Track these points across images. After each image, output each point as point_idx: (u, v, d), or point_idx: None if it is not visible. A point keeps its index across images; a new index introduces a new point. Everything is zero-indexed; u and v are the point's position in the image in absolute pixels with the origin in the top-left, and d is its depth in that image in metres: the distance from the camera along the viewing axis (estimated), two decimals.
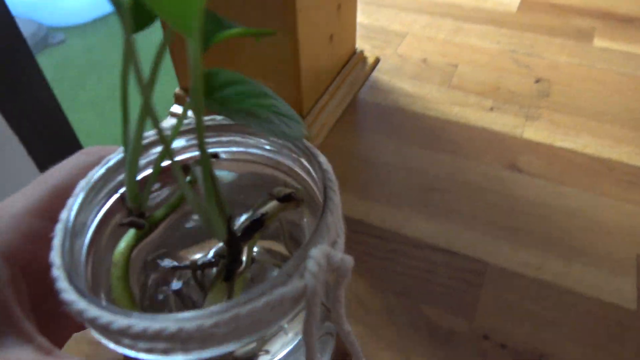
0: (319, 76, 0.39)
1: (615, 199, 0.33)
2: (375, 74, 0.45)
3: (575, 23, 0.51)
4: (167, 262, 0.20)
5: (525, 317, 0.27)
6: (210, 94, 0.16)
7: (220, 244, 0.19)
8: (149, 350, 0.13)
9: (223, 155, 0.20)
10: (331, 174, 0.17)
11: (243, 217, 0.19)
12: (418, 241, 0.31)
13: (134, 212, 0.17)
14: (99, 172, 0.17)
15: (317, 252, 0.14)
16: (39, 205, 0.17)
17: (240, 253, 0.17)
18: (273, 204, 0.19)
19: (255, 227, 0.18)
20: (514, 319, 0.27)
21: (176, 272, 0.19)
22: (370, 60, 0.46)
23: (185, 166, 0.18)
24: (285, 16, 0.31)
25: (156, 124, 0.15)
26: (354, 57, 0.44)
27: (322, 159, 0.18)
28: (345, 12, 0.39)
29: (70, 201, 0.16)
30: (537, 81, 0.44)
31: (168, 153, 0.16)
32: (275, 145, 0.19)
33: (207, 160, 0.15)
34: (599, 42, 0.48)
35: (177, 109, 0.41)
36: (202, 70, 0.14)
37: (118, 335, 0.13)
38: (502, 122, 0.39)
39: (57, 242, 0.15)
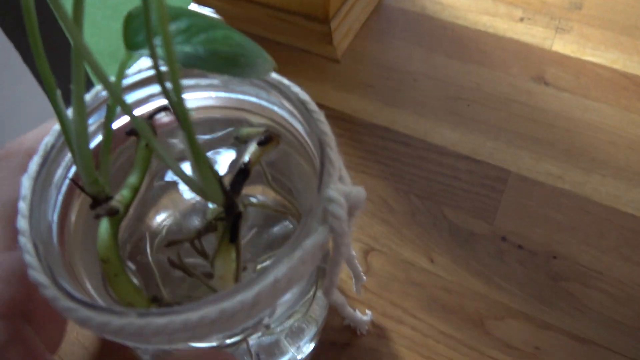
0: None
1: (639, 115, 0.33)
2: None
3: None
4: (159, 239, 0.18)
5: (542, 222, 0.28)
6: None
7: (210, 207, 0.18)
8: (171, 340, 0.12)
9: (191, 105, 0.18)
10: (312, 104, 0.16)
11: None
12: (443, 149, 0.32)
13: (100, 198, 0.15)
14: (36, 161, 0.15)
15: (334, 194, 0.13)
16: (9, 237, 0.15)
17: (237, 209, 0.16)
18: (253, 148, 0.17)
19: (242, 179, 0.17)
20: (532, 223, 0.28)
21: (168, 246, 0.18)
22: None
23: (133, 131, 0.17)
24: None
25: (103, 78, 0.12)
26: None
27: (297, 89, 0.16)
28: None
29: (20, 206, 0.14)
30: None
31: (127, 112, 0.13)
32: (240, 83, 0.17)
33: (189, 122, 0.13)
34: None
35: (194, 7, 0.40)
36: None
37: (144, 336, 0.12)
38: (531, 33, 0.38)
39: (28, 251, 0.13)
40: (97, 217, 0.15)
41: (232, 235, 0.15)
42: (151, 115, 0.18)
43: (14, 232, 0.15)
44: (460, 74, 0.36)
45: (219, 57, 0.13)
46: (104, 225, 0.15)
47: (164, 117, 0.18)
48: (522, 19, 0.39)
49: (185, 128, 0.13)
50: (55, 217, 0.15)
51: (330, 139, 0.15)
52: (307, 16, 0.36)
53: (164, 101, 0.18)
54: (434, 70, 0.36)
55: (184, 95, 0.17)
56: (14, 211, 0.14)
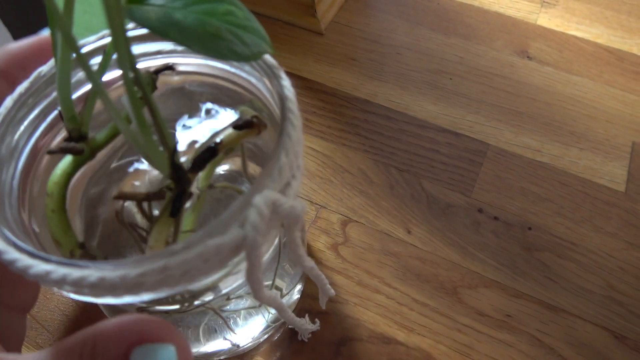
0: None
1: (620, 89, 0.33)
2: None
3: None
4: (111, 191, 0.18)
5: (518, 194, 0.29)
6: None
7: None
8: (76, 293, 0.12)
9: (181, 67, 0.17)
10: (293, 103, 0.15)
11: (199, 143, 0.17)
12: (423, 122, 0.32)
13: (73, 135, 0.15)
14: (24, 84, 0.15)
15: (260, 200, 0.12)
16: None
17: (188, 186, 0.15)
18: (230, 131, 0.17)
19: (207, 157, 0.16)
20: (509, 195, 0.29)
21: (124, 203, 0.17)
22: None
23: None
24: None
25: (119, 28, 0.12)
26: None
27: (286, 82, 0.15)
28: None
29: None
30: None
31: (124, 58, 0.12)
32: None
33: (130, 79, 0.12)
34: None
35: None
36: None
37: (38, 279, 0.12)
38: (517, 7, 0.38)
39: None
40: (50, 152, 0.15)
41: (173, 210, 0.15)
42: (157, 71, 0.17)
43: None
44: (443, 48, 0.35)
45: (205, 34, 0.12)
46: (64, 161, 0.15)
47: (170, 76, 0.18)
48: None
49: (126, 84, 0.12)
50: (20, 164, 0.15)
51: (292, 143, 0.14)
52: None
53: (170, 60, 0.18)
54: (417, 43, 0.36)
55: (149, 61, 0.17)
56: None
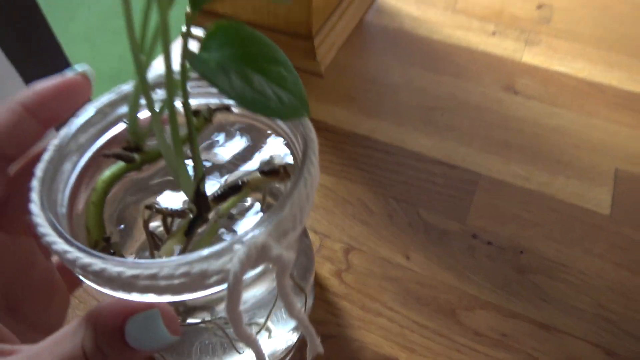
0: None
1: (602, 120, 0.36)
2: None
3: None
4: (145, 201, 0.20)
5: (510, 220, 0.30)
6: (205, 48, 0.15)
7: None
8: (83, 276, 0.14)
9: (235, 110, 0.20)
10: (313, 166, 0.16)
11: (227, 176, 0.20)
12: (419, 155, 0.34)
13: (131, 145, 0.17)
14: (109, 96, 0.18)
15: (251, 241, 0.13)
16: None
17: (207, 212, 0.17)
18: (257, 174, 0.19)
19: (230, 193, 0.18)
20: (501, 221, 0.30)
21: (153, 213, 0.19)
22: None
23: (196, 111, 0.19)
24: None
25: (168, 65, 0.15)
26: None
27: (314, 145, 0.17)
28: None
29: (73, 120, 0.17)
30: (540, 7, 0.45)
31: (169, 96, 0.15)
32: None
33: (172, 98, 0.15)
34: None
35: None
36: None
37: (58, 254, 0.14)
38: (502, 46, 0.41)
39: (45, 158, 0.16)
40: (105, 155, 0.17)
41: (188, 230, 0.17)
42: (216, 109, 0.20)
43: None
44: (435, 85, 0.38)
45: (260, 100, 0.15)
46: (116, 166, 0.18)
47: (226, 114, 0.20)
48: (494, 33, 0.42)
49: (169, 107, 0.15)
50: (69, 189, 0.17)
51: (300, 197, 0.15)
52: (292, 34, 0.38)
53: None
54: (411, 82, 0.38)
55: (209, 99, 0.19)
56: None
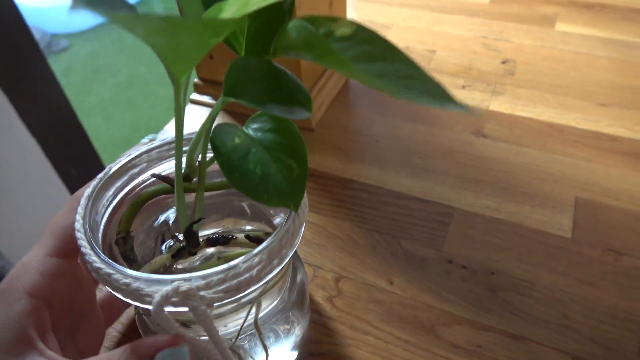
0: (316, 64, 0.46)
1: (562, 155, 0.40)
2: None
3: (541, 10, 0.58)
4: (161, 221, 0.25)
5: (482, 246, 0.34)
6: (248, 125, 0.20)
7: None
8: (91, 271, 0.19)
9: None
10: (270, 250, 0.19)
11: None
12: (399, 193, 0.38)
13: (186, 175, 0.22)
14: (85, 196, 0.22)
15: (176, 285, 0.17)
16: (54, 248, 0.22)
17: (194, 247, 0.22)
18: (242, 237, 0.23)
19: (218, 242, 0.23)
20: (474, 247, 0.34)
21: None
22: None
23: None
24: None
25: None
26: None
27: (284, 232, 0.19)
28: (337, 7, 0.46)
29: (77, 217, 0.21)
30: (504, 62, 0.51)
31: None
32: None
33: (179, 162, 0.20)
34: (560, 27, 0.55)
35: (195, 96, 0.49)
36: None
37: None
38: (471, 97, 0.47)
39: (80, 210, 0.21)
40: (156, 176, 0.23)
41: (174, 254, 0.22)
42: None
43: (62, 247, 0.22)
44: (412, 133, 0.43)
45: (254, 177, 0.18)
46: (160, 185, 0.23)
47: None
48: (463, 87, 0.48)
49: (176, 169, 0.20)
50: (105, 219, 0.22)
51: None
52: None
53: None
54: (391, 132, 0.44)
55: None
56: (63, 234, 0.22)
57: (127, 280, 0.18)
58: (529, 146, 0.41)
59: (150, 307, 0.18)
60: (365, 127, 0.44)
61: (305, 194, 0.20)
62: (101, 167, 1.18)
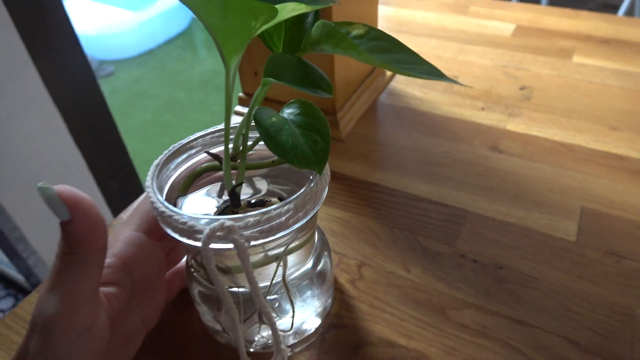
0: (348, 84, 0.51)
1: (571, 171, 0.44)
2: (392, 83, 0.57)
3: (559, 44, 0.62)
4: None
5: (492, 244, 0.38)
6: (282, 110, 0.24)
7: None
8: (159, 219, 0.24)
9: None
10: (296, 204, 0.23)
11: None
12: (418, 197, 0.42)
13: (232, 155, 0.27)
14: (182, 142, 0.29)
15: (221, 221, 0.21)
16: (138, 226, 0.28)
17: (236, 205, 0.26)
18: (276, 199, 0.28)
19: (258, 204, 0.27)
20: (484, 245, 0.38)
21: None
22: (388, 73, 0.58)
23: None
24: None
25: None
26: (375, 70, 0.56)
27: (310, 191, 0.24)
28: None
29: (147, 181, 0.26)
30: (522, 88, 0.55)
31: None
32: None
33: (227, 131, 0.25)
34: (577, 59, 0.59)
35: (239, 108, 0.54)
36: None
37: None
38: (490, 118, 0.51)
39: (149, 175, 0.26)
40: (209, 153, 0.28)
41: (221, 212, 0.27)
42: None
43: (144, 225, 0.27)
44: (433, 147, 0.48)
45: (287, 145, 0.23)
46: (212, 163, 0.28)
47: None
48: (483, 109, 0.52)
49: (225, 160, 0.25)
50: (167, 185, 0.28)
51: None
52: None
53: None
54: (414, 144, 0.48)
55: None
56: (146, 215, 0.27)
57: (184, 219, 0.23)
58: (541, 162, 0.45)
59: (199, 243, 0.22)
60: (390, 140, 0.49)
61: (328, 165, 0.25)
62: (138, 183, 1.26)
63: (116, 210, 1.20)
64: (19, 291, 1.29)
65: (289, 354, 0.26)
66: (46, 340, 0.21)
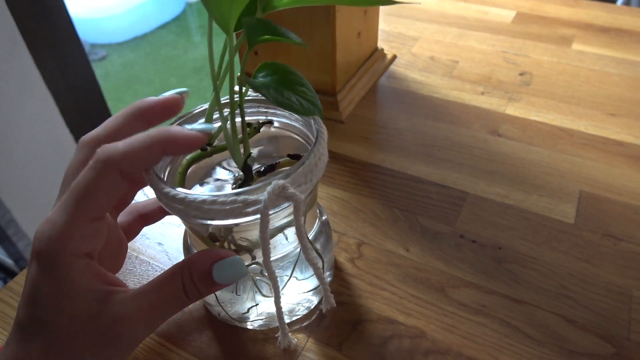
0: (349, 65, 0.51)
1: (570, 155, 0.44)
2: (392, 67, 0.57)
3: (560, 31, 0.62)
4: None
5: (491, 225, 0.38)
6: (255, 76, 0.24)
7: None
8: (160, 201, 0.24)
9: (275, 124, 0.30)
10: (321, 145, 0.24)
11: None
12: (418, 178, 0.42)
13: (207, 141, 0.26)
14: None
15: (276, 183, 0.21)
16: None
17: (251, 179, 0.26)
18: (286, 159, 0.28)
19: (268, 170, 0.27)
20: (483, 226, 0.38)
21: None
22: (389, 56, 0.58)
23: (249, 124, 0.28)
24: (327, 16, 0.44)
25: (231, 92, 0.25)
26: (376, 53, 0.56)
27: (323, 134, 0.25)
28: (370, 16, 0.52)
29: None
30: (522, 74, 0.55)
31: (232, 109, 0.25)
32: (300, 119, 0.28)
33: (234, 109, 0.25)
34: (576, 46, 0.59)
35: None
36: (235, 57, 0.24)
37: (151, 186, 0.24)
38: (489, 102, 0.51)
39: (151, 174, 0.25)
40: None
41: (238, 187, 0.26)
42: (263, 123, 0.29)
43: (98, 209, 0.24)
44: (433, 129, 0.48)
45: (287, 103, 0.24)
46: (194, 153, 0.27)
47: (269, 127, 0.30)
48: (482, 93, 0.52)
49: (231, 111, 0.25)
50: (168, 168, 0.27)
51: (311, 162, 0.23)
52: (321, 91, 0.49)
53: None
54: (414, 127, 0.48)
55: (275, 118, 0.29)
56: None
57: (233, 197, 0.22)
58: (540, 146, 0.45)
59: (247, 219, 0.22)
60: (390, 122, 0.49)
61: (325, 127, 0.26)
62: None
63: None
64: (8, 275, 1.28)
65: (333, 304, 0.27)
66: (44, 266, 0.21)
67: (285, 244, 0.28)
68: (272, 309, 0.29)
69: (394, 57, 0.58)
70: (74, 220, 0.21)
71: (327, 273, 0.33)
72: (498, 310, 0.32)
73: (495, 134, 0.47)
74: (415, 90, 0.53)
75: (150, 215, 0.31)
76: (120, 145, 0.22)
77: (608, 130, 0.47)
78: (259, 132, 0.29)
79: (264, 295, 0.29)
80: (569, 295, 0.33)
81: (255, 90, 0.24)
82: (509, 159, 0.44)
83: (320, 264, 0.30)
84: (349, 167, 0.44)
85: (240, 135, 0.26)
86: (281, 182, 0.22)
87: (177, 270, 0.23)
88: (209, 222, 0.23)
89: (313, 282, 0.32)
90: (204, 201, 0.22)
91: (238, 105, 0.26)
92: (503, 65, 0.56)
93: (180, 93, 0.27)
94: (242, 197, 0.22)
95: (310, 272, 0.31)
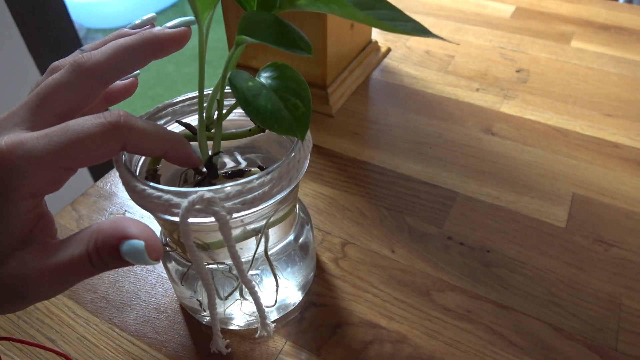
0: (340, 58, 0.49)
1: (564, 156, 0.43)
2: (386, 60, 0.56)
3: (559, 28, 0.61)
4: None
5: (480, 227, 0.37)
6: (259, 74, 0.22)
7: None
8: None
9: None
10: (279, 173, 0.22)
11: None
12: (408, 176, 0.41)
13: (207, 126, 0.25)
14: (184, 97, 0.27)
15: (200, 194, 0.19)
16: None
17: (214, 177, 0.24)
18: (255, 169, 0.27)
19: (237, 174, 0.26)
20: (472, 228, 0.37)
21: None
22: (383, 49, 0.56)
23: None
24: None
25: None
26: (370, 46, 0.54)
27: (292, 160, 0.23)
28: None
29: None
30: (518, 71, 0.53)
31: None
32: None
33: (202, 109, 0.23)
34: (575, 44, 0.58)
35: None
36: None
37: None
38: (484, 99, 0.49)
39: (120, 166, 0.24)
40: (180, 123, 0.26)
41: (197, 183, 0.25)
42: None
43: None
44: (425, 126, 0.46)
45: (267, 112, 0.21)
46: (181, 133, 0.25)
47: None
48: (477, 89, 0.51)
49: (199, 113, 0.23)
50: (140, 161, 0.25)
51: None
52: (311, 84, 0.48)
53: None
54: (405, 123, 0.47)
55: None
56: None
57: (159, 194, 0.21)
58: (534, 146, 0.44)
59: (177, 218, 0.21)
60: (381, 118, 0.48)
61: (310, 133, 0.24)
62: None
63: (97, 175, 1.17)
64: None
65: (273, 328, 0.25)
66: None
67: (262, 246, 0.27)
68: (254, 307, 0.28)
69: (388, 50, 0.57)
70: (53, 157, 0.19)
71: (299, 293, 0.32)
72: (484, 316, 0.31)
73: (488, 133, 0.45)
74: (409, 85, 0.52)
75: (115, 96, 0.28)
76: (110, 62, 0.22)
77: (604, 131, 0.45)
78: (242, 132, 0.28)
79: (242, 297, 0.28)
80: (558, 302, 0.32)
81: (233, 91, 0.22)
82: (502, 159, 0.43)
83: (258, 289, 0.28)
84: (337, 163, 0.43)
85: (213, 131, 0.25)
86: (208, 195, 0.20)
87: (85, 238, 0.20)
88: (145, 211, 0.22)
89: (298, 277, 0.30)
90: (143, 190, 0.21)
91: (217, 100, 0.24)
92: (500, 62, 0.55)
93: (186, 24, 0.24)
94: (166, 196, 0.21)
95: (290, 267, 0.30)
